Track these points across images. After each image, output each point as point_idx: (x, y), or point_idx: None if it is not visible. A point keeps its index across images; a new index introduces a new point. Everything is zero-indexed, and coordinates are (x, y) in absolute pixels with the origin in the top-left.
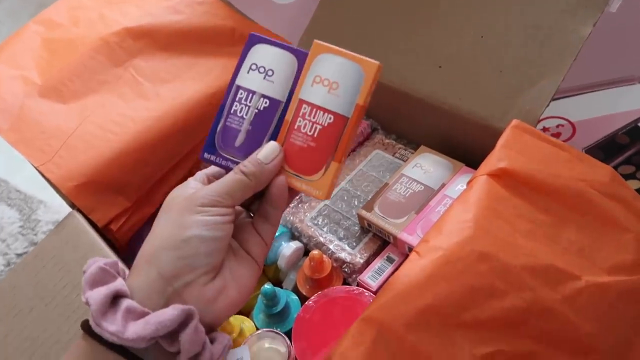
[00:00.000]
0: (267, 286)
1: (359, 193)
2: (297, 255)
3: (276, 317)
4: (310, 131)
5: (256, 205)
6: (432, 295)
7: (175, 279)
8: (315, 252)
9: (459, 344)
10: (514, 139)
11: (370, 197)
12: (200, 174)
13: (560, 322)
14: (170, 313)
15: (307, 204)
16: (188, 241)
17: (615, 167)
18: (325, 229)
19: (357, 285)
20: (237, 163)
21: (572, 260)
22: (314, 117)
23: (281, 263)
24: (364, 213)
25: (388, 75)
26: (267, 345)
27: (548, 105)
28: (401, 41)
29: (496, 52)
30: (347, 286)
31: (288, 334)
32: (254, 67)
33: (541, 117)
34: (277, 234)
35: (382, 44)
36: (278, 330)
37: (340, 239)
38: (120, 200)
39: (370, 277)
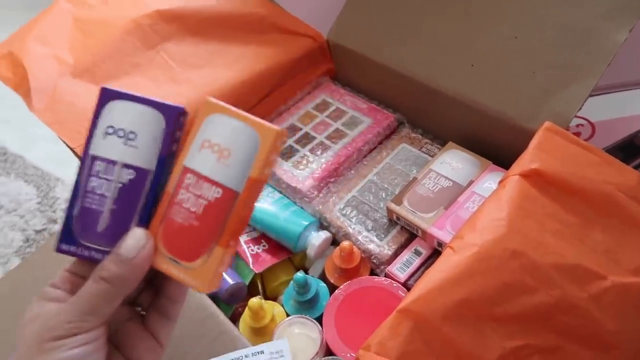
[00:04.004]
0: (300, 274)
1: (386, 185)
2: (325, 244)
3: (306, 304)
4: (193, 207)
5: (145, 298)
6: (467, 289)
7: None
8: (345, 243)
9: (491, 337)
10: (546, 141)
11: (397, 190)
12: (61, 277)
13: (585, 318)
14: None
15: (335, 194)
16: None
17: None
18: (353, 220)
19: (385, 276)
20: (103, 252)
21: (598, 261)
22: (199, 190)
23: (310, 252)
24: (393, 206)
25: (417, 69)
26: (297, 331)
27: (580, 109)
28: (434, 36)
29: (530, 53)
30: (376, 277)
31: (317, 320)
32: (110, 130)
33: None
34: (306, 223)
35: (414, 38)
36: (309, 317)
37: (368, 230)
38: None
39: (399, 269)
